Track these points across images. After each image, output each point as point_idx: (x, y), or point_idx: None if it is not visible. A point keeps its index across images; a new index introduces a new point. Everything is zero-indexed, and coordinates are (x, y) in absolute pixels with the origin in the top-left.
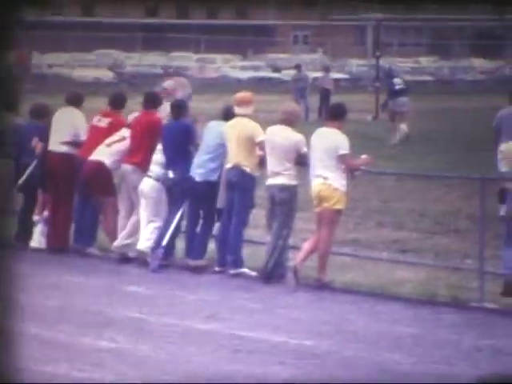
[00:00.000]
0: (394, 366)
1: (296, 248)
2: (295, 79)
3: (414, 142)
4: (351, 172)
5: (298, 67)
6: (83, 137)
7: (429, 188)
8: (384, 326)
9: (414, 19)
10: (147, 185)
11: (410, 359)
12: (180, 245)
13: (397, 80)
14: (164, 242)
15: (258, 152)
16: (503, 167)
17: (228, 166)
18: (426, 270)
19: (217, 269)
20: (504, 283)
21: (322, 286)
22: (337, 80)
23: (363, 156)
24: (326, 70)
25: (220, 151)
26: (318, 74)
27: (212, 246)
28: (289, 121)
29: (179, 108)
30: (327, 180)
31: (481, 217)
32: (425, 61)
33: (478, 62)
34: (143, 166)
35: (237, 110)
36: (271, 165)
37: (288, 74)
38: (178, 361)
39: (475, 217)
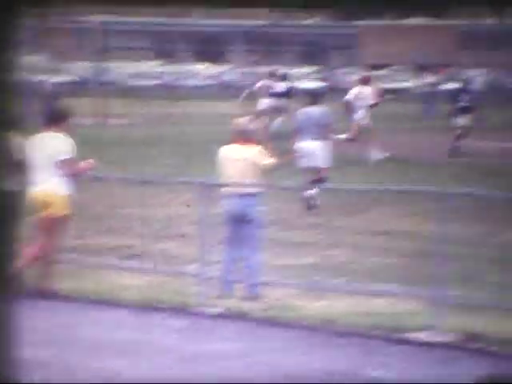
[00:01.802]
0: (114, 374)
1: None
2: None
3: (138, 145)
4: (74, 176)
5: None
6: None
7: (158, 193)
8: (108, 333)
9: (138, 23)
10: None
11: (132, 366)
12: None
13: None
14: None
15: None
16: (302, 164)
17: None
18: (152, 276)
19: None
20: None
21: (47, 294)
22: (62, 84)
23: (86, 160)
24: (49, 72)
25: None
26: (42, 77)
27: None
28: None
29: None
30: (50, 185)
31: (201, 221)
32: (149, 65)
33: (203, 67)
34: None
35: None
36: None
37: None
38: None
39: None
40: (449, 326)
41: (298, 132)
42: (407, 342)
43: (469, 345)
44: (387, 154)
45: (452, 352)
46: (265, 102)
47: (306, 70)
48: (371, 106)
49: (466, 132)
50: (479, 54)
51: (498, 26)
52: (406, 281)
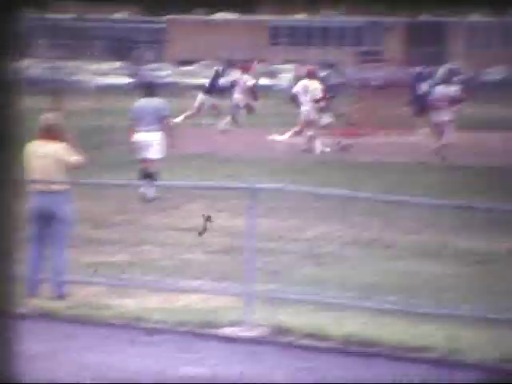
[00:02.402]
0: None
1: None
2: None
3: None
4: None
5: None
6: None
7: None
8: None
9: None
10: None
11: None
12: None
13: None
14: None
15: None
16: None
17: None
18: None
19: None
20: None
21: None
22: None
23: None
24: None
25: None
26: None
27: None
28: None
29: None
30: None
31: None
32: None
33: None
34: None
35: None
36: None
37: None
38: None
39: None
40: (258, 320)
41: (135, 124)
42: (218, 337)
43: (278, 339)
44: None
45: (261, 346)
46: None
47: (112, 65)
48: (317, 101)
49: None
50: (288, 49)
51: (308, 22)
52: (217, 276)
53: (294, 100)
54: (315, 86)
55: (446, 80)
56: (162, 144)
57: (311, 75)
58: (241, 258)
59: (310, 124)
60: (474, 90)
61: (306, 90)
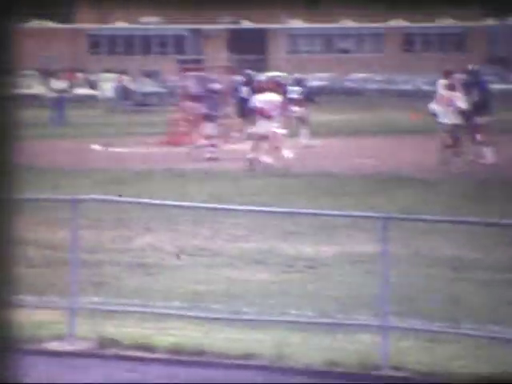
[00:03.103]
0: None
1: None
2: None
3: None
4: None
5: None
6: None
7: None
8: None
9: None
10: None
11: None
12: None
13: None
14: None
15: None
16: None
17: None
18: None
19: None
20: None
21: None
22: None
23: None
24: None
25: None
26: None
27: None
28: None
29: None
30: None
31: None
32: None
33: None
34: None
35: None
36: None
37: None
38: None
39: None
40: (84, 333)
41: None
42: (43, 352)
43: (104, 351)
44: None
45: (87, 359)
46: None
47: None
48: None
49: None
50: (108, 58)
51: (128, 30)
52: (40, 290)
53: None
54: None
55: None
56: None
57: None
58: (64, 270)
59: None
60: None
61: None
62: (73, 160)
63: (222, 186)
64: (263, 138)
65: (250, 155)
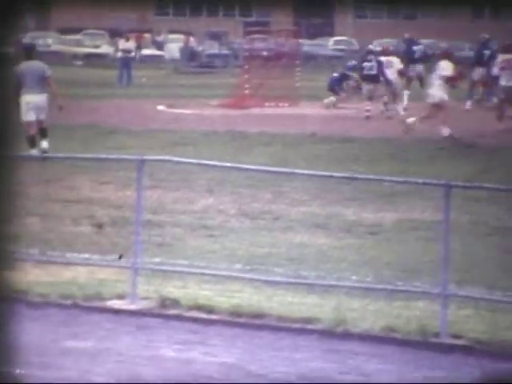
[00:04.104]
0: None
1: None
2: None
3: None
4: None
5: None
6: None
7: None
8: None
9: None
10: None
11: None
12: None
13: None
14: None
15: None
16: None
17: None
18: None
19: None
20: None
21: None
22: None
23: None
24: None
25: None
26: None
27: None
28: None
29: None
30: None
31: None
32: None
33: None
34: None
35: None
36: None
37: None
38: None
39: None
40: (146, 293)
41: (21, 86)
42: (105, 310)
43: (165, 311)
44: None
45: (148, 318)
46: None
47: None
48: None
49: None
50: (174, 19)
51: None
52: (104, 249)
53: None
54: None
55: None
56: (46, 105)
57: None
58: (128, 230)
59: None
60: None
61: None
62: (139, 120)
63: (285, 150)
64: (437, 106)
65: (411, 120)
